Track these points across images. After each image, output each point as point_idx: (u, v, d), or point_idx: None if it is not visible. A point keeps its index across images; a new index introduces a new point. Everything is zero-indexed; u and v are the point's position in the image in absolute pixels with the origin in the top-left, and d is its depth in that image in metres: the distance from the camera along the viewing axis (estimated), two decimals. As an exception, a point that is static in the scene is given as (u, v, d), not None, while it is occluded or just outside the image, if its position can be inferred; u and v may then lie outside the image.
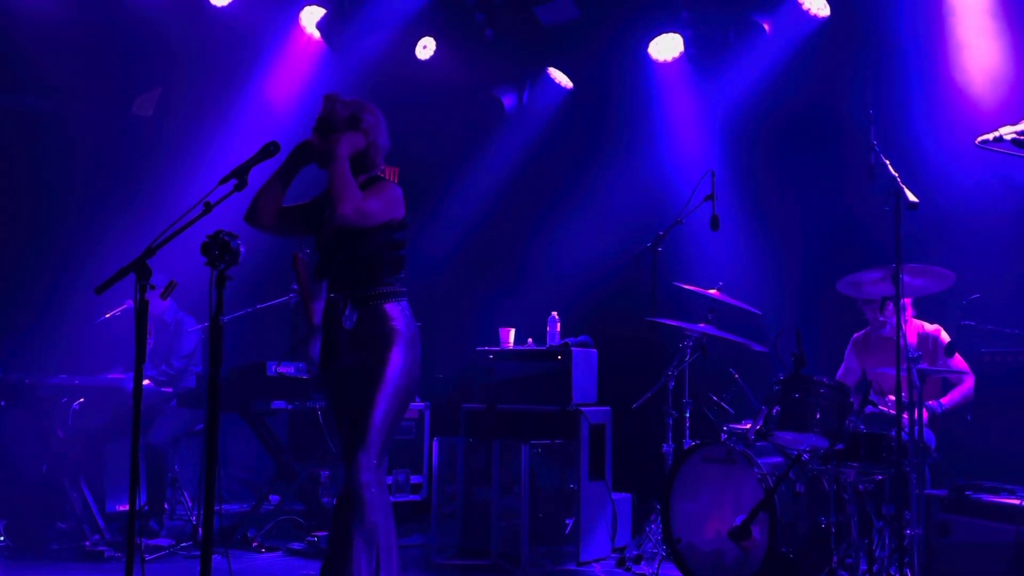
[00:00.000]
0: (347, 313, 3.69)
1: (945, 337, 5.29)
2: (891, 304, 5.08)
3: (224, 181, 3.38)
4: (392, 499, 6.94)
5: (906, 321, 5.42)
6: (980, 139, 4.07)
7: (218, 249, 3.13)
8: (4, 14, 6.50)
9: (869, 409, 4.85)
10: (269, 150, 3.59)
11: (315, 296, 3.74)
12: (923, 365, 4.56)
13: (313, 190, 3.86)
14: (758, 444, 4.89)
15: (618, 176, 7.56)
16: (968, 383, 5.23)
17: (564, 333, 6.14)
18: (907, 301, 5.40)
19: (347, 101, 3.82)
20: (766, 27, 6.73)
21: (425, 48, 7.55)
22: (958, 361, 5.22)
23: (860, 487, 4.65)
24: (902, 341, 4.33)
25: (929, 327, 5.39)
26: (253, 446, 6.67)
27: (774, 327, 4.94)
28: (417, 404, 7.31)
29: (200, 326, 6.43)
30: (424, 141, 8.27)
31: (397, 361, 3.68)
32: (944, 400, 5.24)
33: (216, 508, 3.11)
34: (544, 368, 5.94)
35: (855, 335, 5.67)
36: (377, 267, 3.73)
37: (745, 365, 5.67)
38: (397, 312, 3.73)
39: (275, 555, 5.84)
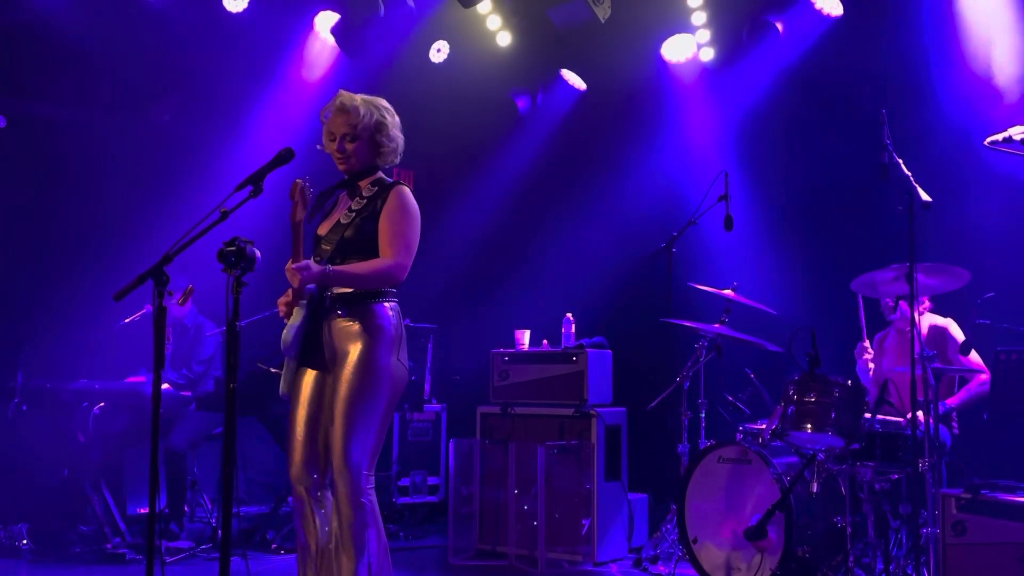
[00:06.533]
0: (339, 312, 3.67)
1: (956, 332, 5.25)
2: (904, 303, 5.07)
3: (240, 188, 3.42)
4: (409, 500, 7.07)
5: (921, 313, 5.41)
6: (989, 139, 4.08)
7: (234, 255, 3.17)
8: (25, 26, 6.57)
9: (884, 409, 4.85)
10: (284, 157, 3.63)
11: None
12: (937, 364, 4.55)
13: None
14: (774, 444, 4.90)
15: (632, 177, 7.57)
16: (978, 379, 5.19)
17: (579, 334, 6.15)
18: (923, 296, 5.38)
19: (366, 101, 3.82)
20: (779, 27, 6.73)
21: (439, 52, 7.58)
22: (973, 360, 5.19)
23: (876, 486, 4.65)
24: (916, 341, 4.34)
25: (940, 320, 5.34)
26: (272, 449, 6.72)
27: (789, 327, 4.92)
28: (433, 406, 7.35)
29: (219, 330, 6.47)
30: (439, 144, 8.29)
31: (381, 361, 3.66)
32: (949, 401, 5.19)
33: (235, 510, 3.14)
34: (559, 369, 5.96)
35: (876, 335, 5.66)
36: None
37: (760, 365, 5.67)
38: (385, 312, 3.73)
39: (294, 557, 5.84)
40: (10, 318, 6.71)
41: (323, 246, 3.74)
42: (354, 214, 3.76)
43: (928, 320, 5.37)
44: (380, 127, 3.81)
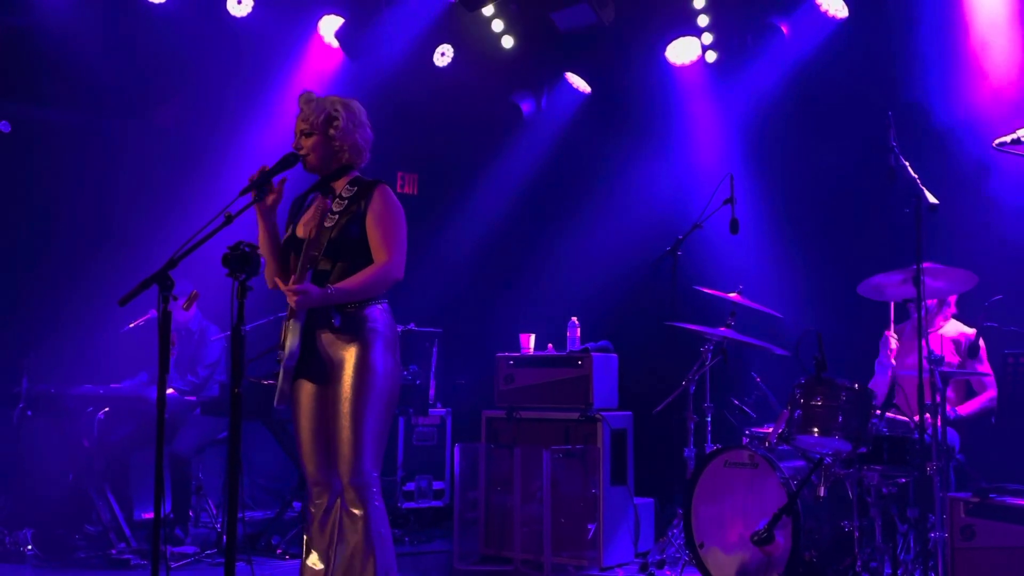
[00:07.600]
0: (332, 318, 3.64)
1: (980, 343, 5.21)
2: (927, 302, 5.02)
3: (244, 192, 3.42)
4: (415, 505, 7.05)
5: (946, 318, 5.39)
6: (997, 141, 4.07)
7: (239, 260, 3.15)
8: (29, 31, 6.58)
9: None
10: (288, 161, 3.63)
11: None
12: (946, 367, 4.52)
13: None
14: (780, 448, 4.87)
15: (637, 180, 7.56)
16: (989, 393, 5.16)
17: (584, 338, 6.14)
18: (951, 299, 5.35)
19: (321, 99, 3.81)
20: (784, 29, 6.72)
21: (443, 55, 7.58)
22: (982, 363, 5.17)
23: (883, 490, 4.62)
24: (925, 343, 4.32)
25: (968, 329, 5.32)
26: (276, 454, 6.70)
27: (795, 330, 4.91)
28: (438, 411, 7.34)
29: (223, 334, 6.47)
30: (443, 148, 8.31)
31: (379, 364, 3.64)
32: (960, 409, 5.17)
33: (240, 515, 3.13)
34: (564, 373, 5.94)
35: (899, 325, 5.62)
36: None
37: (766, 369, 5.65)
38: (377, 314, 3.71)
39: (299, 562, 5.84)
40: (15, 323, 6.71)
41: (311, 252, 3.64)
42: (336, 216, 3.70)
43: (956, 327, 5.34)
44: (330, 120, 3.76)
